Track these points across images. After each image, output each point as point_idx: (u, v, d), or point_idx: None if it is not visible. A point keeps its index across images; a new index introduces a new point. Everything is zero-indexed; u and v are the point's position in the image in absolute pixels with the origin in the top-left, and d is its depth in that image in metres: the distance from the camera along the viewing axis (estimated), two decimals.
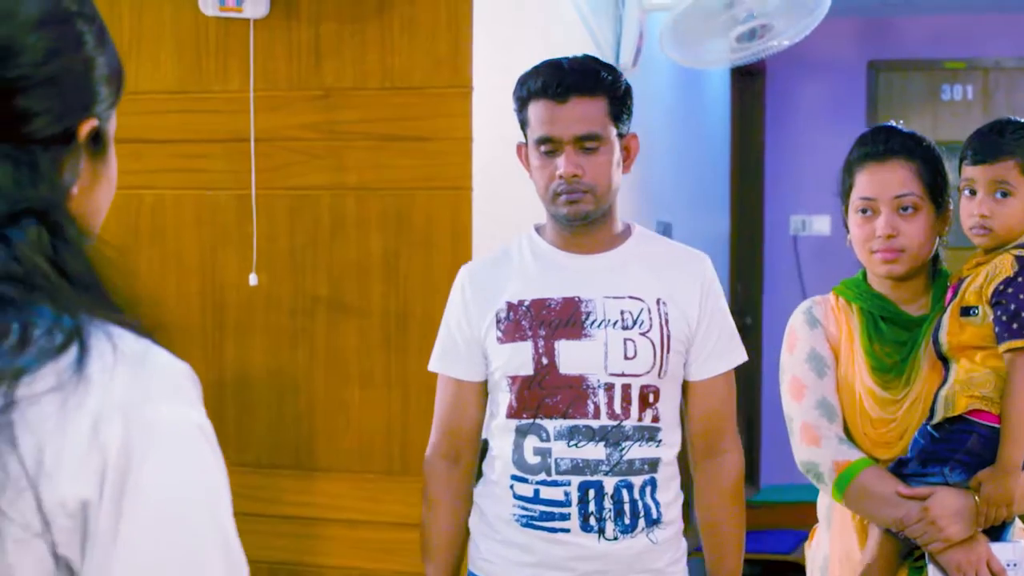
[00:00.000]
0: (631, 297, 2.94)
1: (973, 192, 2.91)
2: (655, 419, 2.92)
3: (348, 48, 3.94)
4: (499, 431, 3.00)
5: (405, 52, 3.89)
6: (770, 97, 8.67)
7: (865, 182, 2.98)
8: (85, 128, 1.33)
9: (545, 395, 2.91)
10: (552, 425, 2.90)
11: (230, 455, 4.03)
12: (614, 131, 2.93)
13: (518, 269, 3.01)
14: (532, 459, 2.92)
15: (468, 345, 3.02)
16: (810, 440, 2.98)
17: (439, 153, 3.86)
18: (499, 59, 4.02)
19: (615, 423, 2.89)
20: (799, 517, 5.39)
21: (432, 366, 3.10)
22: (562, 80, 2.89)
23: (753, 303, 8.51)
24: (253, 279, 3.96)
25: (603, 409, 2.89)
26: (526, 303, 2.95)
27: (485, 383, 3.04)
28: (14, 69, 1.27)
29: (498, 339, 2.96)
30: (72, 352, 1.20)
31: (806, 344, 3.04)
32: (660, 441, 2.93)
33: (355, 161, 3.94)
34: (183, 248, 4.10)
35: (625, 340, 2.90)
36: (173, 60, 4.08)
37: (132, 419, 1.20)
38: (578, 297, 2.93)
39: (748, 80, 8.39)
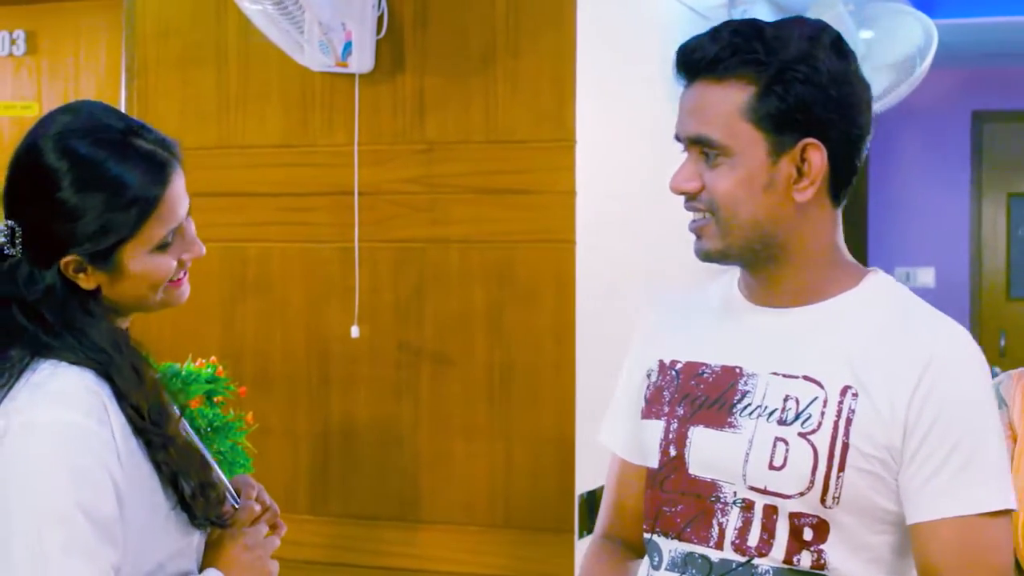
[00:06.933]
0: (806, 378, 1.94)
1: None
2: (818, 566, 1.91)
3: (452, 102, 3.96)
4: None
5: (509, 106, 3.90)
6: (874, 148, 8.60)
7: None
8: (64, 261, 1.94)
9: (665, 501, 2.02)
10: (667, 547, 2.02)
11: (334, 506, 4.05)
12: (757, 136, 1.93)
13: (695, 316, 2.12)
14: None
15: (632, 408, 2.15)
16: None
17: (542, 206, 3.86)
18: (603, 112, 4.02)
19: (743, 560, 1.93)
20: None
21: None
22: (694, 52, 1.96)
23: None
24: (355, 331, 3.98)
25: (729, 536, 1.94)
26: (679, 365, 2.06)
27: None
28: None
29: (641, 410, 2.11)
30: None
31: None
32: None
33: (458, 214, 3.95)
34: (288, 300, 4.13)
35: (776, 440, 1.92)
36: (279, 114, 4.12)
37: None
38: (739, 368, 2.00)
39: None
